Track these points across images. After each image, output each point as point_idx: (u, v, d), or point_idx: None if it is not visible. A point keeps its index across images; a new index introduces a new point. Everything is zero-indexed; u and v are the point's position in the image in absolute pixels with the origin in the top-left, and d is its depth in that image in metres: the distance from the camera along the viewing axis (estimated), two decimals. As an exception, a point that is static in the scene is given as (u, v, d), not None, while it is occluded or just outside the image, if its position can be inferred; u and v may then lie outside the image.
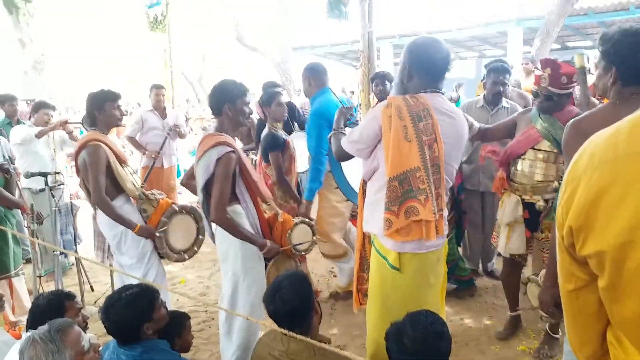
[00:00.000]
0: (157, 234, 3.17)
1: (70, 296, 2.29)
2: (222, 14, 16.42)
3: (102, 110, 3.15)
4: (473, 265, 4.37)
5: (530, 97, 4.97)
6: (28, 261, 4.31)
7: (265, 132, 3.74)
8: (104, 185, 3.04)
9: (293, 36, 16.34)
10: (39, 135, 4.60)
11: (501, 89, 3.91)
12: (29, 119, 5.02)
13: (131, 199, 3.23)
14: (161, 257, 3.31)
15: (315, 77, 3.75)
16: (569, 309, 1.04)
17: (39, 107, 4.88)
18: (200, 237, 3.43)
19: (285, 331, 1.73)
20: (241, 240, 2.73)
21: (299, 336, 1.64)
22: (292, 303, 2.07)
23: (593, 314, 0.99)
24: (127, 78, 23.43)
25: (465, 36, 13.75)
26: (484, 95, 4.05)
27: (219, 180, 2.62)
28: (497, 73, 3.92)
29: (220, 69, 23.26)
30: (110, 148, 3.12)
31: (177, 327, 2.49)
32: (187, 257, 3.40)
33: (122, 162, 3.21)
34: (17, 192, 3.64)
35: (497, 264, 4.40)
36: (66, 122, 4.72)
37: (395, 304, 2.20)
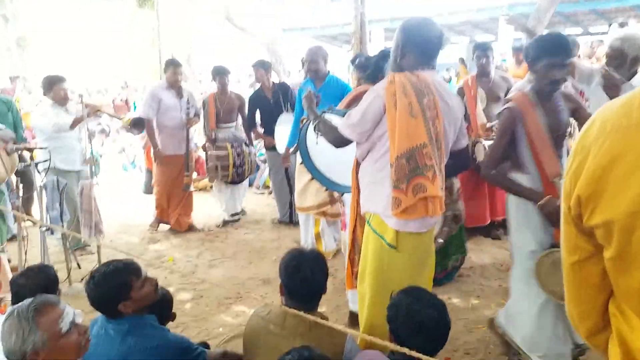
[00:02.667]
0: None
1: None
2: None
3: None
4: None
5: (512, 80, 4.98)
6: (10, 239, 4.25)
7: None
8: None
9: (283, 17, 16.15)
10: (72, 127, 4.42)
11: None
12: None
13: None
14: None
15: (326, 60, 4.05)
16: (571, 281, 1.03)
17: (53, 83, 4.55)
18: None
19: (285, 307, 1.70)
20: None
21: (294, 311, 1.62)
22: (317, 283, 2.06)
23: (595, 285, 0.99)
24: (114, 56, 22.98)
25: (457, 21, 13.69)
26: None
27: None
28: None
29: (208, 49, 22.91)
30: None
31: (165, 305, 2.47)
32: None
33: None
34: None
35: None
36: (99, 110, 4.57)
37: (390, 282, 2.19)
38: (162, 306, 2.37)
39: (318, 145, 2.95)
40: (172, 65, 5.22)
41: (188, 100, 5.32)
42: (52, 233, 3.70)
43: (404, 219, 2.13)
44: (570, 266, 1.01)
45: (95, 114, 4.56)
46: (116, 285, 2.02)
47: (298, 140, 3.22)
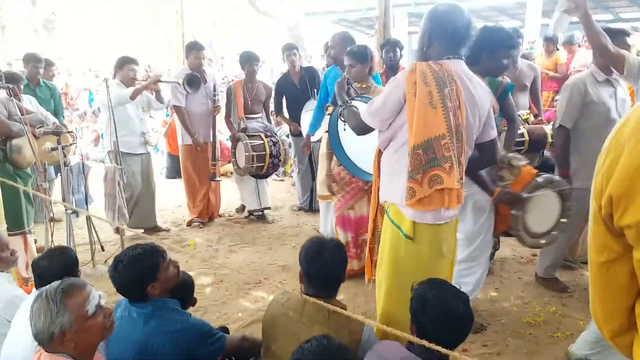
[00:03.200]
0: (513, 212, 2.71)
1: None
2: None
3: (493, 55, 2.80)
4: None
5: (539, 69, 4.82)
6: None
7: None
8: None
9: (306, 1, 16.04)
10: (133, 97, 4.38)
11: None
12: (114, 77, 4.71)
13: None
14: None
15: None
16: (597, 281, 1.02)
17: (123, 63, 4.59)
18: (562, 220, 2.86)
19: (303, 294, 1.72)
20: None
21: (313, 299, 1.64)
22: (336, 271, 2.07)
23: (623, 286, 0.97)
24: (139, 41, 23.13)
25: (482, 6, 13.43)
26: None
27: None
28: None
29: (230, 34, 22.90)
30: None
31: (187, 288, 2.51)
32: (543, 243, 2.87)
33: None
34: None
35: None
36: (158, 80, 4.53)
37: (406, 273, 2.19)
38: (183, 291, 2.41)
39: (348, 133, 2.94)
40: (195, 49, 4.92)
41: (214, 86, 5.11)
42: (77, 216, 3.78)
43: (419, 210, 2.12)
44: (597, 266, 1.00)
45: (155, 84, 4.53)
46: (145, 268, 2.07)
47: (329, 126, 3.22)
